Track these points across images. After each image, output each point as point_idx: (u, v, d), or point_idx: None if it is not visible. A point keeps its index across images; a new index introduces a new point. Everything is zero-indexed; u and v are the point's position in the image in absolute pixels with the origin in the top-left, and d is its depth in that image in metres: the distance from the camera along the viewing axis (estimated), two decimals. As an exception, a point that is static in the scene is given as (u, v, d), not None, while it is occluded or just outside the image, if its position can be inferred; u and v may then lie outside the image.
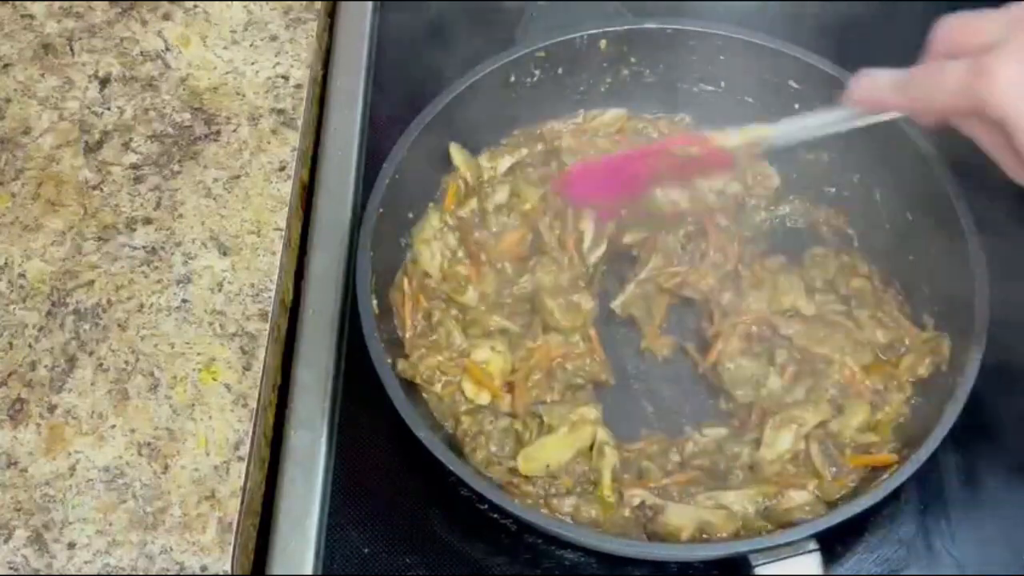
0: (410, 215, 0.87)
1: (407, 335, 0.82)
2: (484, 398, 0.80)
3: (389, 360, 0.76)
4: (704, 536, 0.73)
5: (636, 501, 0.75)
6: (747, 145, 0.78)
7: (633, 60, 0.93)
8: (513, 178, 0.90)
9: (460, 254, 0.85)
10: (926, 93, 0.64)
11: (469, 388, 0.80)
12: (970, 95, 0.60)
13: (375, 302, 0.79)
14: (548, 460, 0.76)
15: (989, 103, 0.60)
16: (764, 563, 0.69)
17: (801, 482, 0.75)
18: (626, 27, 0.91)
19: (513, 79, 0.90)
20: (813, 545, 0.69)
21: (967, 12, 0.65)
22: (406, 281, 0.84)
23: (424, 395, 0.80)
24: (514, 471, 0.76)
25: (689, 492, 0.76)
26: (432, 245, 0.85)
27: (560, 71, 0.92)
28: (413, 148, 0.85)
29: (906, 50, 0.97)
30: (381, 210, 0.81)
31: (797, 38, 0.91)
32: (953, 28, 0.65)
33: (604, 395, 0.83)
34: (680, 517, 0.73)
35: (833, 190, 0.90)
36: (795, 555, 0.69)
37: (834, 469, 0.76)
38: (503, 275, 0.85)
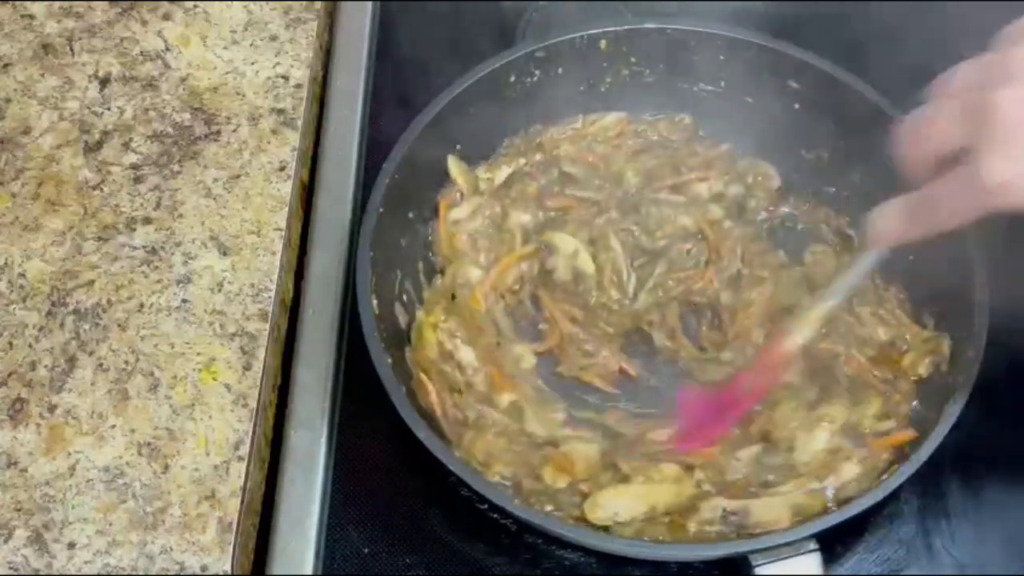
0: (410, 215, 0.87)
1: (438, 413, 0.79)
2: (563, 481, 0.75)
3: (389, 360, 0.76)
4: (798, 519, 0.71)
5: (719, 512, 0.72)
6: (812, 331, 0.77)
7: (633, 60, 0.93)
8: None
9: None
10: (944, 217, 0.63)
11: (549, 474, 0.75)
12: (993, 204, 0.60)
13: (375, 302, 0.79)
14: (619, 510, 0.73)
15: (1019, 205, 0.59)
16: (764, 563, 0.68)
17: (839, 465, 0.75)
18: (626, 27, 0.91)
19: (513, 79, 0.90)
20: (813, 545, 0.69)
21: (914, 117, 0.64)
22: (427, 383, 0.80)
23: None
24: (577, 518, 0.73)
25: (749, 491, 0.74)
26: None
27: (560, 71, 0.92)
28: (413, 148, 0.84)
29: (906, 48, 0.97)
30: (381, 210, 0.81)
31: (797, 38, 0.91)
32: (913, 138, 0.64)
33: (624, 397, 0.82)
34: (769, 510, 0.72)
35: (833, 190, 0.90)
36: (795, 555, 0.69)
37: (863, 451, 0.75)
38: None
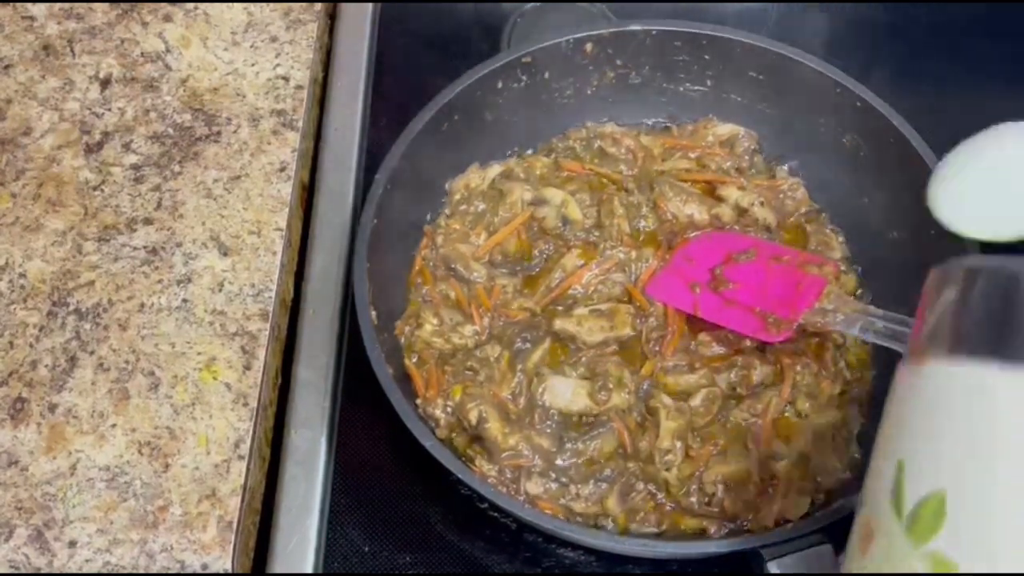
0: (404, 223, 0.86)
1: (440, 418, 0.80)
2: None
3: (391, 371, 0.75)
4: None
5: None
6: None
7: (619, 63, 0.93)
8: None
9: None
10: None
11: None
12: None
13: (373, 313, 0.78)
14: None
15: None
16: (777, 558, 0.69)
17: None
18: (611, 30, 0.91)
19: (500, 85, 0.90)
20: (824, 537, 0.69)
21: None
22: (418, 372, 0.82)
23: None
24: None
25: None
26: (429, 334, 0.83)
27: (547, 76, 0.92)
28: (404, 159, 0.84)
29: (894, 43, 0.96)
30: (375, 222, 0.81)
31: (781, 35, 0.91)
32: None
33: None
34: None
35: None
36: (807, 548, 0.69)
37: None
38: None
